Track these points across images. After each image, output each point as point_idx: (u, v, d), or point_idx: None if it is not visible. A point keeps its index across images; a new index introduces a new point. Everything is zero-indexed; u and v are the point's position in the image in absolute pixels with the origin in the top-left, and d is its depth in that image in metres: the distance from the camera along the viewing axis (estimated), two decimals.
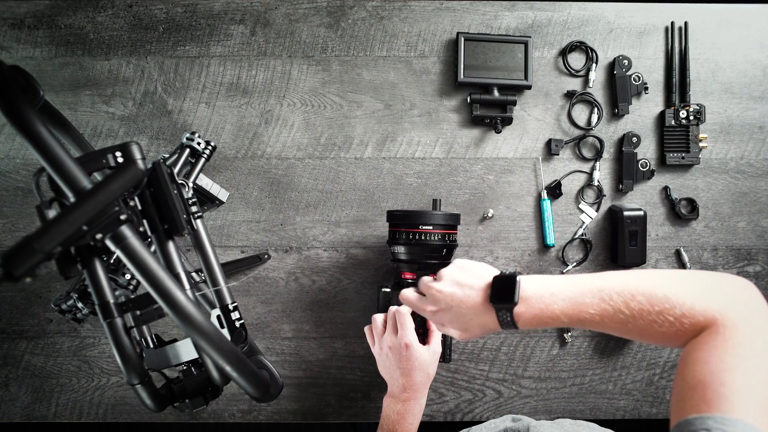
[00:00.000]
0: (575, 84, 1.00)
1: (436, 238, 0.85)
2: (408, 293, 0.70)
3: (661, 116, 0.99)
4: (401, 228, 0.86)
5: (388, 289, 0.87)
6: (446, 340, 0.87)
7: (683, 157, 0.98)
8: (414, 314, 0.80)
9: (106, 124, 0.99)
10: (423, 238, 0.84)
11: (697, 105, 0.98)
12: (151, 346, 0.66)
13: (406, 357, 0.77)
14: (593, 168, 0.99)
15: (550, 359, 0.99)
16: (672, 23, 1.00)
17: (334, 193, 0.99)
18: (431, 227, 0.84)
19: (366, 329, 0.85)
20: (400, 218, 0.86)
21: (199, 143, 0.82)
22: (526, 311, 0.57)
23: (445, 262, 0.87)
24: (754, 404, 0.43)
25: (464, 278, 0.63)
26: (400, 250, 0.86)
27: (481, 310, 0.60)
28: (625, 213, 0.94)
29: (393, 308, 0.81)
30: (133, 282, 0.75)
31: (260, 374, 0.63)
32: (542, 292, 0.58)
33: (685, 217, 0.99)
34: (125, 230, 0.52)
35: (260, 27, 0.99)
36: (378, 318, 0.83)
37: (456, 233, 0.88)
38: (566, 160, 1.00)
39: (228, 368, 0.57)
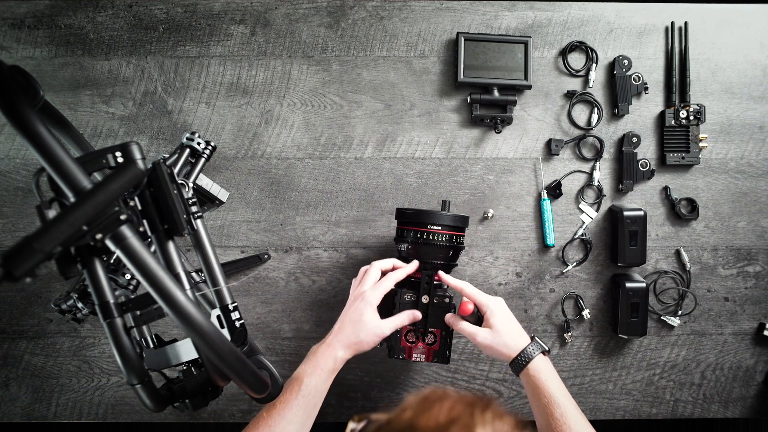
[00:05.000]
0: (575, 84, 1.00)
1: (444, 239, 0.84)
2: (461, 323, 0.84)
3: (661, 116, 0.99)
4: (409, 226, 0.86)
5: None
6: (446, 341, 0.87)
7: (683, 157, 0.98)
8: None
9: (106, 124, 0.99)
10: (431, 237, 0.84)
11: (697, 105, 0.98)
12: (151, 346, 0.66)
13: (355, 307, 0.80)
14: (593, 168, 0.99)
15: (550, 359, 0.99)
16: (672, 23, 1.00)
17: (334, 193, 0.99)
18: (440, 227, 0.84)
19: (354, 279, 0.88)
20: (409, 216, 0.86)
21: (199, 143, 0.82)
22: (538, 363, 0.80)
23: (451, 263, 0.87)
24: None
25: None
26: (407, 248, 0.86)
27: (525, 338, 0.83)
28: (625, 213, 0.94)
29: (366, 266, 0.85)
30: (133, 282, 0.75)
31: (260, 374, 0.63)
32: (550, 366, 0.82)
33: (685, 217, 0.99)
34: (125, 230, 0.51)
35: (260, 27, 0.99)
36: (361, 271, 0.86)
37: (463, 235, 0.88)
38: (566, 160, 1.00)
39: (228, 368, 0.57)
